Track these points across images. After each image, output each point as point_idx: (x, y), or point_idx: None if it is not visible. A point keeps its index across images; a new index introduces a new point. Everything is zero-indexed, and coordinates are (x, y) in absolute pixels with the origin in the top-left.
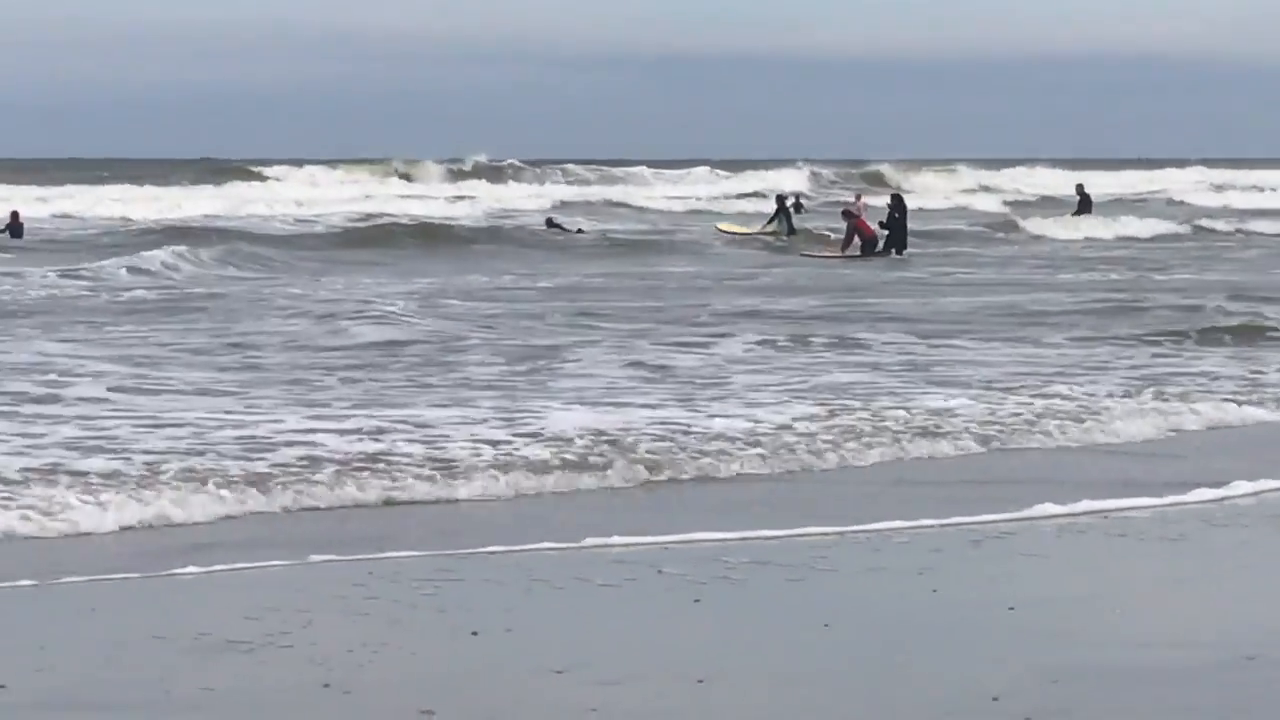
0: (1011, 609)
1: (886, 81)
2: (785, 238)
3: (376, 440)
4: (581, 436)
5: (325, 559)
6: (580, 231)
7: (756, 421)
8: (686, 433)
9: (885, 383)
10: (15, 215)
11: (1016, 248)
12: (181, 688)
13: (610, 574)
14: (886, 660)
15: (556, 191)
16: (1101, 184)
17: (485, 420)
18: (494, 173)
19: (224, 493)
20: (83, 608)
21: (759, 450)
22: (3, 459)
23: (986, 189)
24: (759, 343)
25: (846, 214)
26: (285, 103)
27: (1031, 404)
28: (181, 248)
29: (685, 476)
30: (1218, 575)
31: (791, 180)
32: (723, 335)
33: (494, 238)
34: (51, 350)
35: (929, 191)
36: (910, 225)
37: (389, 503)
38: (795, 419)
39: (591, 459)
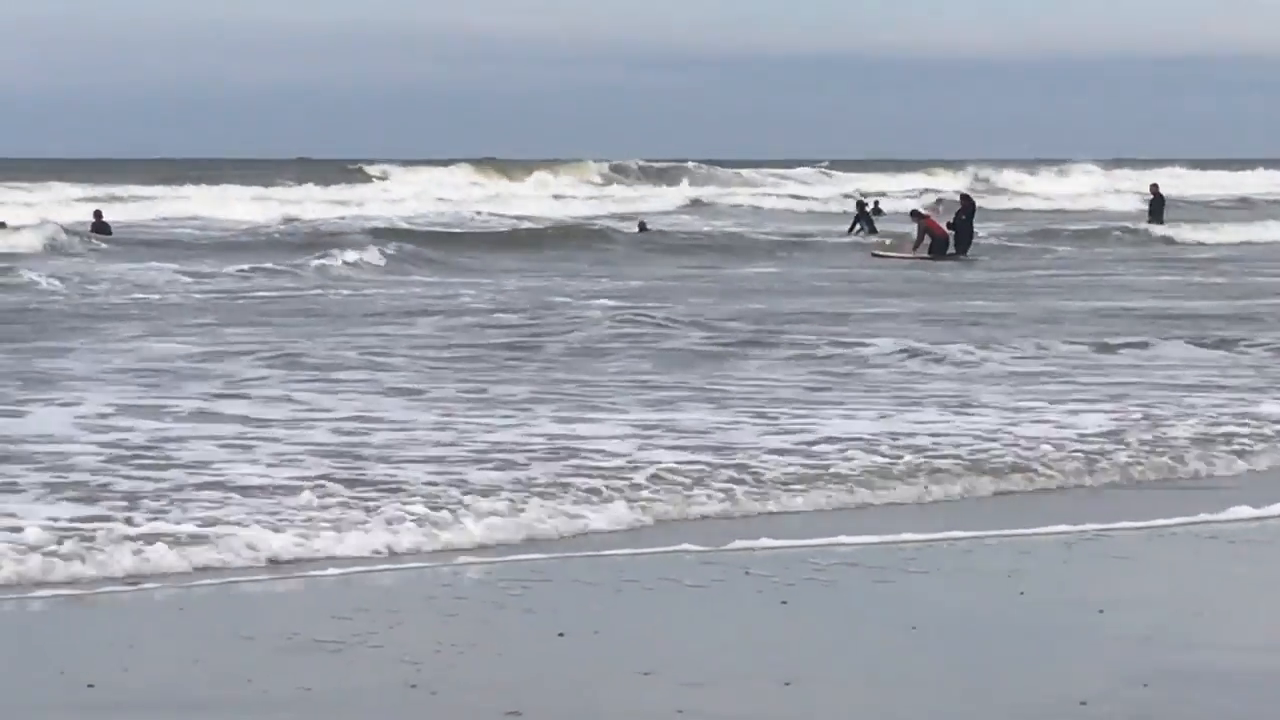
0: (1101, 612)
1: (1003, 81)
2: (867, 238)
3: (674, 450)
4: (886, 443)
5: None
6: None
7: (1062, 429)
8: (991, 438)
9: (1124, 389)
10: (98, 214)
11: (1115, 248)
12: (268, 688)
13: (699, 575)
14: (974, 663)
15: (669, 194)
16: (1227, 185)
17: (737, 424)
18: (610, 173)
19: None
20: (171, 609)
21: (1119, 459)
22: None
23: (1113, 191)
24: (901, 348)
25: (915, 214)
26: (373, 102)
27: None
28: (353, 251)
29: (1051, 486)
30: None
31: (955, 181)
32: (843, 336)
33: (632, 241)
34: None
35: (1055, 195)
36: (1009, 226)
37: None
38: (1103, 429)
39: (916, 467)
